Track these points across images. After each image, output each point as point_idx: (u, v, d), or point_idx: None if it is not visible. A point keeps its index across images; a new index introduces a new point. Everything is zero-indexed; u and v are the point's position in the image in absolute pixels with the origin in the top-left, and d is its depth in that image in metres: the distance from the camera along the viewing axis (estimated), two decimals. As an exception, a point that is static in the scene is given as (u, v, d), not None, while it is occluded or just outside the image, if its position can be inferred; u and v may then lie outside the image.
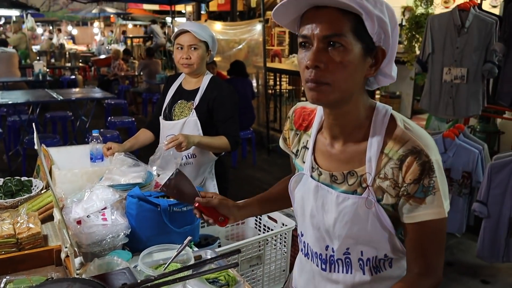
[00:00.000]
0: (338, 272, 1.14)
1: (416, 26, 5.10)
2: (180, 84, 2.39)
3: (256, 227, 2.18)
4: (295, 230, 2.00)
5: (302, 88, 8.58)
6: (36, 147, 1.30)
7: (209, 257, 1.56)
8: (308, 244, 1.21)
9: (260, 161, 5.93)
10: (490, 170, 2.98)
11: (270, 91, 7.17)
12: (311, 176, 1.14)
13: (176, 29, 2.31)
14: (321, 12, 0.94)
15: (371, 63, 0.99)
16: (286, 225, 2.01)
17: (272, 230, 2.07)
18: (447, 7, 7.37)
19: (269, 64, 7.17)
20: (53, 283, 1.11)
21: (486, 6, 3.69)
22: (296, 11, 0.99)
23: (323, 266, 1.17)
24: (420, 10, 5.20)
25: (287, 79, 8.24)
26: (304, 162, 1.17)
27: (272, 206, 1.44)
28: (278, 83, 7.46)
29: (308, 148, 1.16)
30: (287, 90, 7.94)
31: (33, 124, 1.60)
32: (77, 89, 8.02)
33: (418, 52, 4.32)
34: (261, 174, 5.44)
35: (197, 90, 2.30)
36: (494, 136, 4.61)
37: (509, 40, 3.22)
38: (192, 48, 2.21)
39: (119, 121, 5.91)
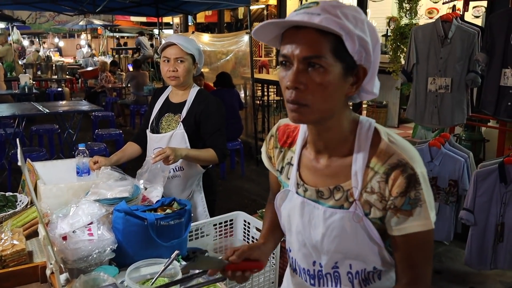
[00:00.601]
0: (327, 286, 1.14)
1: (400, 37, 5.16)
2: (168, 97, 2.39)
3: (244, 239, 2.17)
4: (283, 242, 1.99)
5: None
6: (19, 163, 1.29)
7: (197, 271, 1.56)
8: (295, 259, 1.21)
9: (248, 171, 5.93)
10: (476, 178, 3.01)
11: (258, 102, 7.19)
12: (297, 192, 1.14)
13: (163, 41, 2.32)
14: (300, 33, 0.94)
15: (352, 82, 0.99)
16: (274, 237, 2.00)
17: (260, 242, 2.06)
18: (431, 18, 7.49)
19: (256, 75, 7.21)
20: (37, 301, 1.09)
21: (468, 17, 3.75)
22: (275, 31, 1.00)
23: (312, 281, 1.17)
24: (405, 21, 5.27)
25: (275, 90, 8.27)
26: (289, 179, 1.17)
27: (275, 240, 1.38)
28: (266, 93, 7.49)
29: (292, 165, 1.16)
30: (274, 101, 7.98)
31: (17, 139, 1.58)
32: (63, 102, 7.96)
33: (403, 62, 4.37)
34: (250, 185, 5.43)
35: (184, 103, 2.30)
36: (479, 144, 4.67)
37: (491, 50, 3.28)
38: (179, 61, 2.21)
39: (106, 134, 5.87)
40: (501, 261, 3.04)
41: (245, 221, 2.16)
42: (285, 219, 1.19)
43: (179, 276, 1.45)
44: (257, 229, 2.10)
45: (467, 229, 3.15)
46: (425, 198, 0.98)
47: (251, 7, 6.02)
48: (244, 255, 1.19)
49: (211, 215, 2.37)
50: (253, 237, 2.13)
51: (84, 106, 6.31)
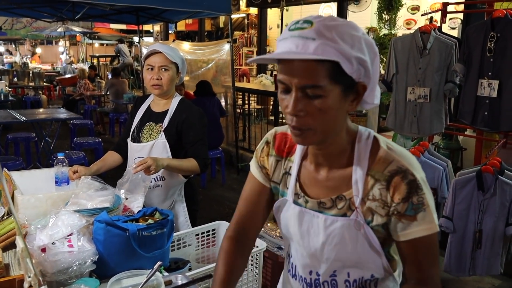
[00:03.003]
0: None
1: (380, 47, 5.25)
2: (149, 106, 2.37)
3: (227, 249, 2.15)
4: (266, 251, 1.99)
5: (271, 107, 8.61)
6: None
7: (179, 282, 1.53)
8: (295, 266, 1.22)
9: (229, 180, 5.91)
10: (455, 186, 3.06)
11: (238, 110, 7.19)
12: (295, 202, 1.13)
13: (143, 49, 2.30)
14: (296, 61, 0.93)
15: (352, 98, 0.99)
16: (257, 247, 1.99)
17: (243, 251, 2.05)
18: (409, 29, 7.64)
19: (237, 84, 7.22)
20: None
21: (445, 28, 3.83)
22: (271, 61, 1.02)
23: None
24: (384, 32, 5.36)
25: (255, 99, 8.30)
26: (287, 188, 1.16)
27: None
28: (246, 102, 7.50)
29: (290, 174, 1.15)
30: (255, 109, 8.00)
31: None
32: (41, 110, 7.83)
33: (383, 72, 4.44)
34: (230, 194, 5.41)
35: (165, 112, 2.28)
36: (457, 152, 4.77)
37: (468, 61, 3.35)
38: (163, 69, 2.20)
39: (85, 142, 5.79)
40: (479, 267, 3.09)
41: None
42: (284, 227, 1.18)
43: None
44: (240, 239, 2.09)
45: (446, 236, 3.19)
46: (428, 202, 1.00)
47: (232, 16, 6.03)
48: None
49: (193, 225, 2.35)
50: (236, 247, 2.11)
51: (62, 114, 6.21)
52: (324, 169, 1.09)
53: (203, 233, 2.12)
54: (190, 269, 1.90)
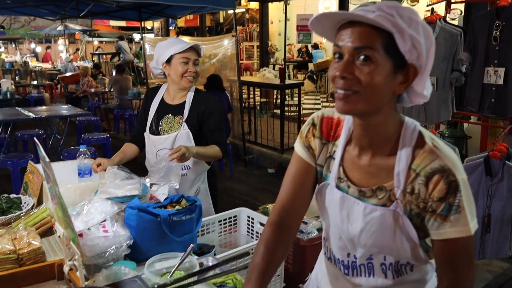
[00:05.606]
0: (361, 276, 1.18)
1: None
2: (162, 99, 2.42)
3: (248, 234, 2.22)
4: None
5: (274, 101, 8.62)
6: (42, 163, 1.31)
7: (210, 264, 1.60)
8: (331, 249, 1.25)
9: (237, 173, 5.98)
10: (463, 173, 3.13)
11: (244, 104, 7.25)
12: (337, 187, 1.15)
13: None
14: (354, 27, 0.97)
15: (401, 80, 1.00)
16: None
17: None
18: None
19: (242, 78, 7.26)
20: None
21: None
22: (330, 25, 1.02)
23: (346, 271, 1.21)
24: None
25: (259, 92, 8.36)
26: (330, 172, 1.18)
27: (268, 282, 1.20)
28: (251, 96, 7.56)
29: (334, 158, 1.17)
30: (259, 103, 8.05)
31: (35, 138, 1.61)
32: (47, 107, 7.86)
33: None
34: (239, 186, 5.48)
35: (183, 104, 2.34)
36: (461, 140, 4.84)
37: (474, 50, 3.41)
38: (195, 63, 2.30)
39: (93, 138, 5.83)
40: (488, 251, 3.16)
41: (248, 216, 2.21)
42: (323, 211, 1.21)
43: (196, 269, 1.49)
44: (261, 224, 2.16)
45: (455, 221, 3.25)
46: (464, 205, 0.99)
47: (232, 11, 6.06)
48: None
49: (215, 211, 2.42)
50: (257, 232, 2.18)
51: (70, 110, 6.26)
52: (367, 154, 1.10)
53: (225, 219, 2.19)
54: (215, 254, 1.97)
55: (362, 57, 0.97)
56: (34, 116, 5.34)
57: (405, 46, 0.96)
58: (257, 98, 8.06)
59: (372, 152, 1.09)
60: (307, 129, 1.23)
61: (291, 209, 1.24)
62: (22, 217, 1.86)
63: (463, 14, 6.36)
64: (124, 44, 14.29)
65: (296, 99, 7.18)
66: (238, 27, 12.73)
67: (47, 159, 1.25)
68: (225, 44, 6.59)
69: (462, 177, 1.00)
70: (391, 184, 1.06)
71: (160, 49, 2.31)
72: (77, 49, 18.34)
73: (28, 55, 17.36)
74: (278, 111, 7.13)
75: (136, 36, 17.09)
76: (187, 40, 2.81)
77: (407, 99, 1.07)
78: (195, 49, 2.29)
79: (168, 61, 2.28)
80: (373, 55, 0.96)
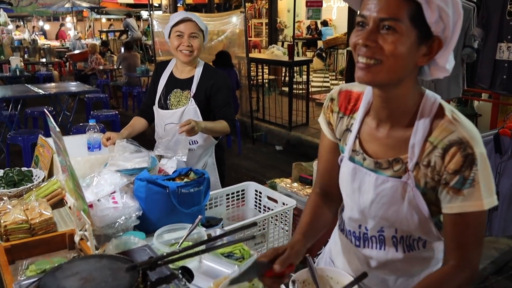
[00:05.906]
0: (372, 248, 1.19)
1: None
2: (172, 73, 2.41)
3: (255, 208, 2.25)
4: (295, 209, 2.07)
5: (283, 78, 8.58)
6: (52, 134, 1.33)
7: (218, 232, 1.62)
8: (344, 221, 1.27)
9: (245, 150, 6.00)
10: (472, 149, 3.11)
11: (252, 81, 7.22)
12: (350, 159, 1.16)
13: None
14: None
15: (424, 52, 0.99)
16: (286, 204, 2.08)
17: (272, 210, 2.14)
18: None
19: (249, 55, 7.22)
20: (81, 260, 1.14)
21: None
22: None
23: (357, 243, 1.23)
24: None
25: (268, 69, 8.31)
26: (345, 144, 1.18)
27: (314, 236, 1.24)
28: (260, 73, 7.51)
29: (351, 131, 1.16)
30: (267, 80, 8.01)
31: (45, 109, 1.62)
32: (56, 84, 7.89)
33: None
34: (247, 163, 5.51)
35: (191, 78, 2.34)
36: (471, 118, 4.78)
37: (487, 25, 3.36)
38: (193, 37, 2.25)
39: (102, 115, 5.87)
40: (495, 228, 3.16)
41: (256, 190, 2.23)
42: (341, 183, 1.22)
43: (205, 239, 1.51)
44: (269, 198, 2.18)
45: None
46: (479, 180, 0.97)
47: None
48: (289, 262, 1.08)
49: (222, 185, 2.44)
50: (264, 206, 2.20)
51: (79, 87, 6.28)
52: (385, 126, 1.09)
53: (233, 193, 2.21)
54: (222, 227, 1.99)
55: (386, 27, 0.95)
56: (43, 92, 5.37)
57: (432, 17, 0.94)
58: (266, 76, 8.02)
59: (391, 124, 1.08)
60: (326, 105, 1.25)
61: (329, 183, 1.28)
62: (34, 189, 1.89)
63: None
64: (132, 21, 14.22)
65: (304, 76, 7.13)
66: (246, 3, 12.58)
67: (57, 129, 1.26)
68: (234, 21, 6.53)
69: (480, 151, 0.98)
70: (407, 156, 1.05)
71: (167, 24, 2.31)
72: (90, 26, 18.28)
73: (37, 33, 17.34)
74: (286, 88, 7.10)
75: (144, 13, 16.97)
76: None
77: (428, 72, 1.05)
78: (193, 21, 2.25)
79: (169, 36, 2.29)
80: (398, 26, 0.94)
